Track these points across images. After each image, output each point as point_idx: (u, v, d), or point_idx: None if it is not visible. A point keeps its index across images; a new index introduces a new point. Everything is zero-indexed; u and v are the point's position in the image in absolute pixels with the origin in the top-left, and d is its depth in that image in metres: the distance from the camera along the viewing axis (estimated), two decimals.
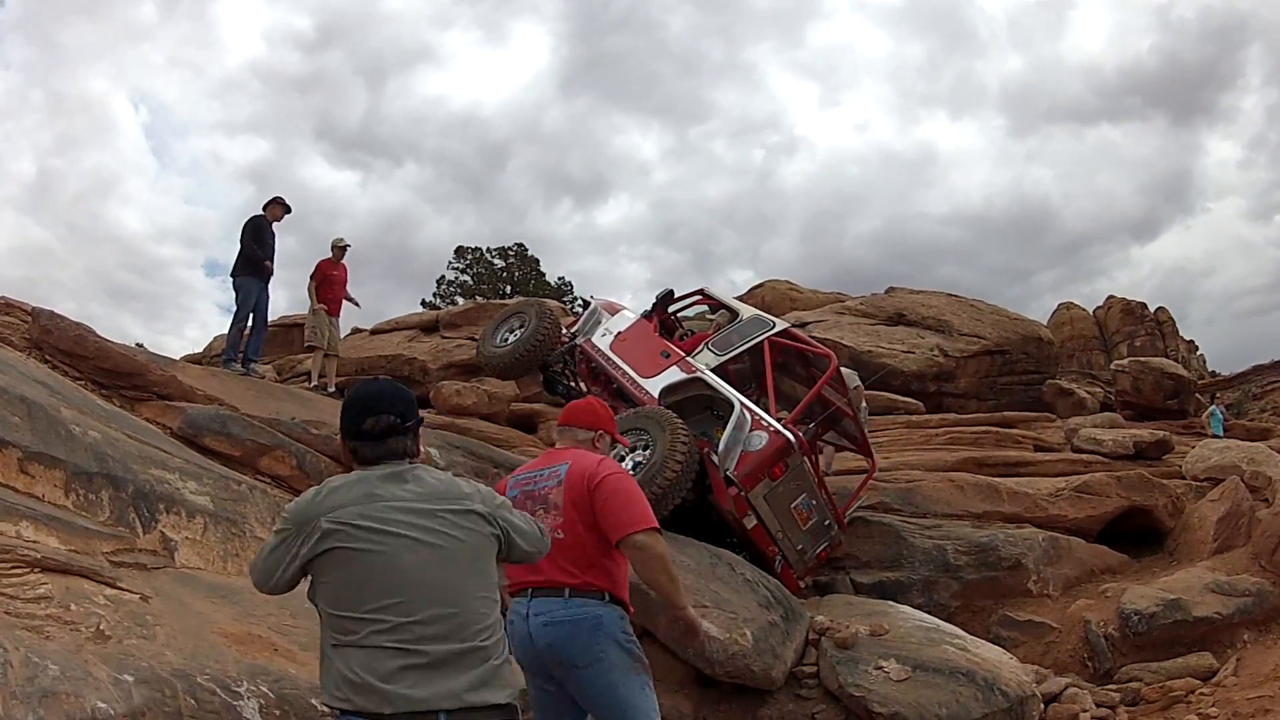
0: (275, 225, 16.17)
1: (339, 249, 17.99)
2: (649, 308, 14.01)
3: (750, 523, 11.05)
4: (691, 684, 9.18)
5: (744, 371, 13.46)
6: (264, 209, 16.18)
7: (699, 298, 14.72)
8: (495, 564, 4.24)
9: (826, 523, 12.14)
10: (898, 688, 8.93)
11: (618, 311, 14.19)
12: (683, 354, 12.64)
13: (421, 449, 4.41)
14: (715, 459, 11.03)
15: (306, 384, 18.52)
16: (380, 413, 4.18)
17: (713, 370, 12.27)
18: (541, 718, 5.48)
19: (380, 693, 3.77)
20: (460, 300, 57.54)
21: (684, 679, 9.17)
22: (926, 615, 11.27)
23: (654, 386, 12.31)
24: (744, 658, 8.85)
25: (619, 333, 13.55)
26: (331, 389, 17.23)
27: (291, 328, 44.49)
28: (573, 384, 14.27)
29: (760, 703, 9.17)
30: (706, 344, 12.80)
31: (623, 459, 10.72)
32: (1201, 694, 10.40)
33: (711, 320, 14.98)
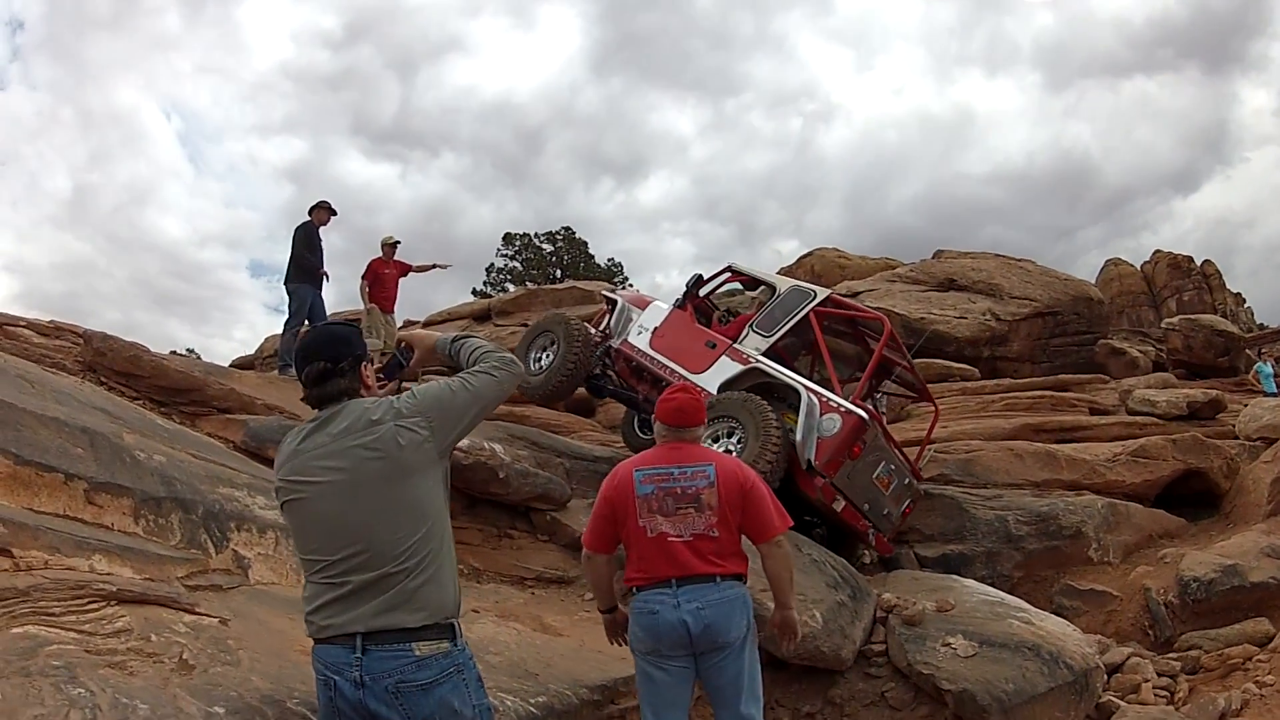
0: (322, 229, 16.38)
1: (389, 246, 18.43)
2: (680, 297, 13.74)
3: (839, 505, 11.12)
4: (762, 667, 9.27)
5: (793, 345, 13.46)
6: (310, 214, 16.40)
7: (728, 275, 14.19)
8: (429, 472, 4.28)
9: (906, 481, 12.25)
10: (965, 664, 9.04)
11: (647, 304, 14.03)
12: (730, 341, 12.51)
13: (369, 381, 4.51)
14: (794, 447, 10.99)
15: None
16: (312, 360, 4.36)
17: (764, 353, 12.20)
18: (656, 700, 5.82)
19: (312, 621, 4.16)
20: (511, 287, 57.62)
21: None
22: (991, 589, 11.41)
23: (709, 382, 12.11)
24: (813, 639, 8.94)
25: (655, 328, 13.34)
26: None
27: (346, 324, 44.86)
28: (618, 385, 14.11)
29: (830, 683, 9.31)
30: (751, 326, 12.62)
31: (714, 442, 11.01)
32: (1259, 660, 10.56)
33: (752, 296, 14.67)
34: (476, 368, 4.55)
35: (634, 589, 5.87)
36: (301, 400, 4.46)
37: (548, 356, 13.49)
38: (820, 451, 10.95)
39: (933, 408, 14.54)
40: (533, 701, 6.37)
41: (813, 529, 12.14)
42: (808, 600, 9.23)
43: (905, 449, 13.15)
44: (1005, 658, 9.13)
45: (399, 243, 18.49)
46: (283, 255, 16.31)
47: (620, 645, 6.28)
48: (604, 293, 16.00)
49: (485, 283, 64.28)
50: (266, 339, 15.40)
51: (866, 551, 12.55)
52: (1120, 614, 12.54)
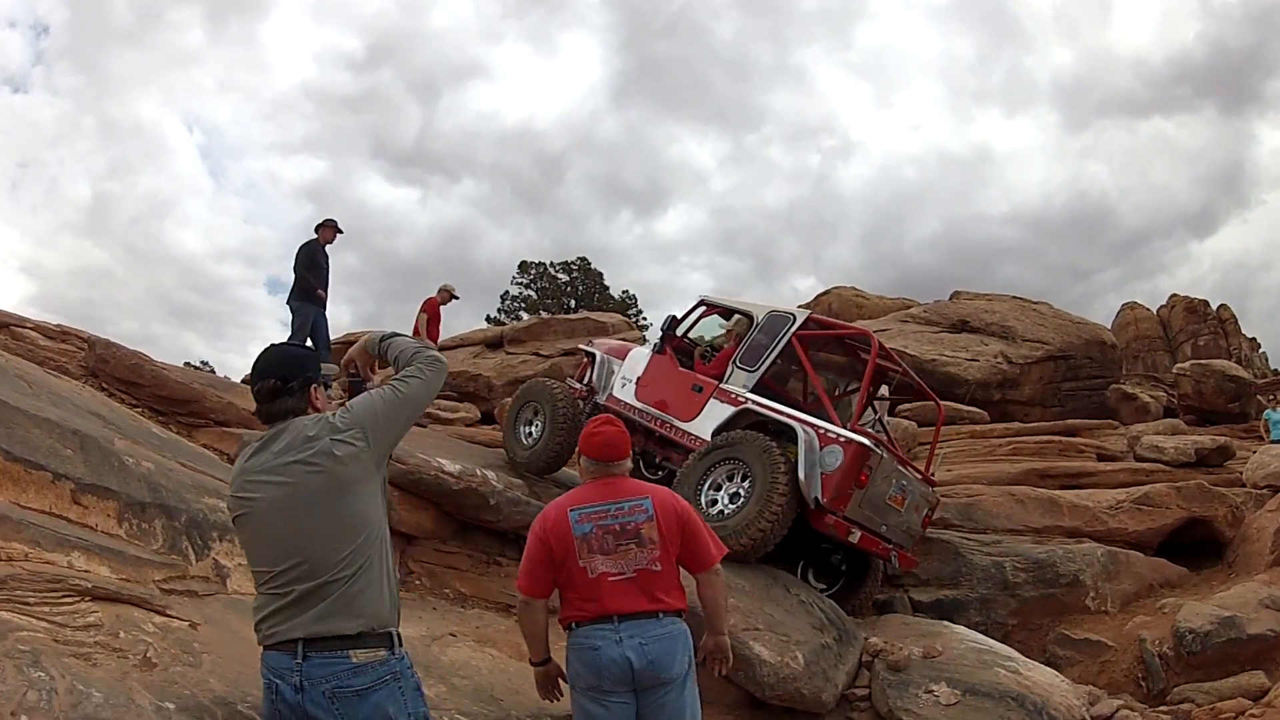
0: (329, 247, 16.45)
1: (450, 295, 19.38)
2: (658, 341, 13.28)
3: (855, 536, 10.76)
4: (742, 706, 9.24)
5: (782, 371, 13.21)
6: (316, 232, 16.48)
7: (703, 310, 13.61)
8: (365, 484, 4.45)
9: (921, 491, 11.97)
10: (946, 712, 9.00)
11: (626, 353, 13.70)
12: (715, 382, 12.16)
13: (318, 403, 4.63)
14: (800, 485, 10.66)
15: None
16: (263, 377, 4.55)
17: (752, 388, 11.84)
18: None
19: (260, 630, 4.35)
20: (525, 315, 57.65)
21: (735, 701, 9.25)
22: (981, 635, 11.28)
23: (701, 428, 11.84)
24: (794, 681, 8.91)
25: (638, 378, 13.01)
26: None
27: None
28: None
29: None
30: (734, 361, 12.23)
31: (715, 499, 10.88)
32: (1251, 714, 10.36)
33: (722, 327, 14.14)
34: (406, 371, 4.69)
35: (572, 625, 5.81)
36: (253, 415, 4.73)
37: (536, 428, 13.06)
38: (826, 488, 10.58)
39: (937, 407, 14.15)
40: None
41: (830, 556, 12.10)
42: (791, 641, 9.25)
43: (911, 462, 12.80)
44: (988, 707, 9.08)
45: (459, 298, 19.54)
46: (328, 278, 16.34)
47: (554, 700, 6.26)
48: (581, 346, 15.51)
49: (500, 310, 64.30)
50: None
51: (885, 565, 12.03)
52: (1114, 664, 12.35)
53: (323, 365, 5.08)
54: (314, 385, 4.64)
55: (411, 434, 14.17)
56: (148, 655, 5.24)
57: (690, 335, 13.80)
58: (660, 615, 5.70)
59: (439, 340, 19.32)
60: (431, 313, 18.59)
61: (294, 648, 4.24)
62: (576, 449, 13.08)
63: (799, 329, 12.11)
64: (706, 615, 6.11)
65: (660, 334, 13.33)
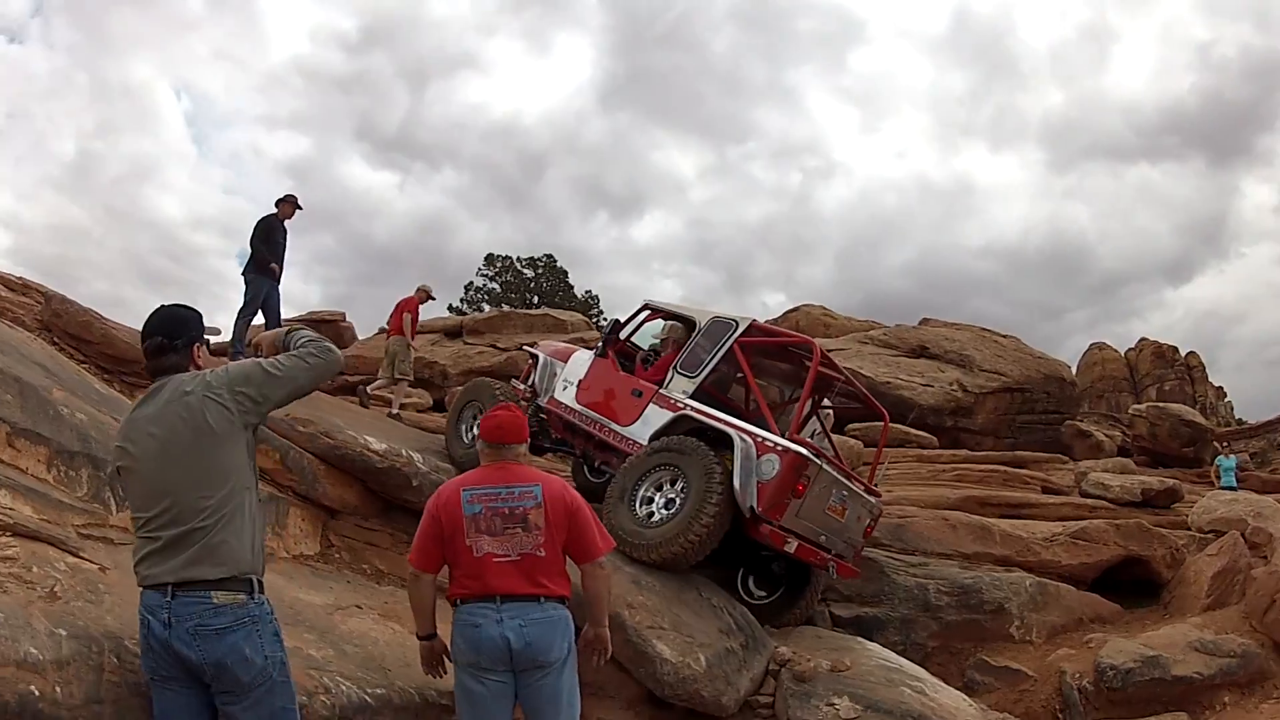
0: (288, 222, 16.47)
1: (426, 294, 19.91)
2: (600, 344, 13.06)
3: (792, 546, 10.44)
4: (643, 703, 9.15)
5: (723, 377, 12.93)
6: (276, 206, 16.47)
7: (647, 315, 13.35)
8: (229, 443, 4.81)
9: (863, 502, 11.67)
10: None
11: (569, 356, 13.45)
12: (655, 387, 11.90)
13: (199, 361, 5.03)
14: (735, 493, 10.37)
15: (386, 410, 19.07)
16: (150, 335, 4.93)
17: (692, 395, 11.55)
18: (477, 713, 5.91)
19: (138, 572, 4.76)
20: (487, 307, 57.63)
21: (635, 697, 9.16)
22: (892, 654, 10.97)
23: (639, 433, 11.63)
24: (694, 682, 8.80)
25: (579, 381, 12.80)
26: (395, 411, 18.50)
27: (321, 323, 44.97)
28: (554, 442, 13.67)
29: None
30: (675, 367, 11.96)
31: (650, 498, 10.63)
32: None
33: (655, 337, 13.80)
34: (293, 352, 5.06)
35: (457, 601, 5.97)
36: (143, 370, 5.10)
37: (476, 427, 12.55)
38: (762, 497, 10.25)
39: (883, 418, 13.57)
40: (370, 692, 6.68)
41: (771, 565, 11.79)
42: (695, 643, 9.16)
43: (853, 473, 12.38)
44: None
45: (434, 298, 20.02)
46: (285, 253, 16.22)
47: (438, 676, 6.39)
48: (525, 347, 15.47)
49: (463, 300, 64.88)
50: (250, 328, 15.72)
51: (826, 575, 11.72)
52: (1033, 695, 11.98)
53: (206, 327, 5.25)
54: (196, 344, 5.03)
55: (351, 412, 14.50)
56: (54, 590, 5.56)
57: (634, 340, 13.58)
58: (541, 599, 5.87)
59: (414, 335, 19.33)
60: (413, 311, 18.68)
61: (165, 588, 4.61)
62: None
63: (741, 336, 11.79)
64: (588, 606, 6.24)
65: (603, 338, 13.13)
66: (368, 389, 19.18)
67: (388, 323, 21.42)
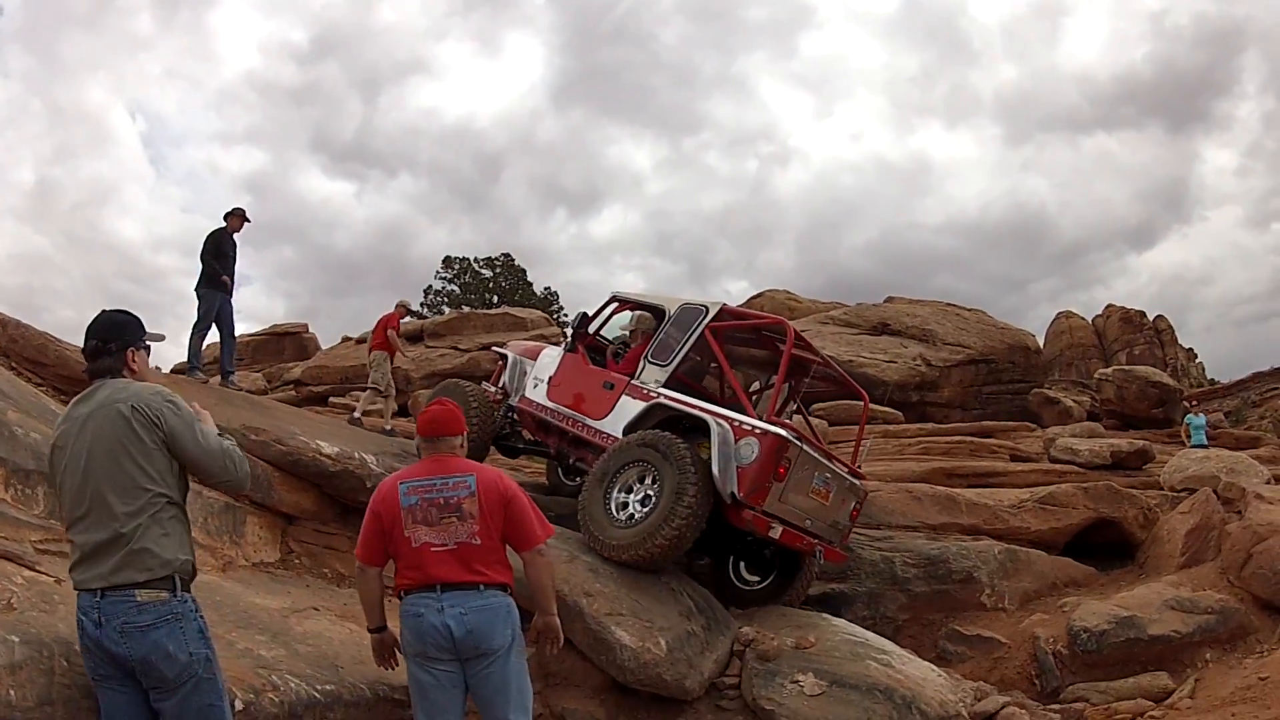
0: (237, 235, 16.35)
1: (405, 309, 20.32)
2: (569, 339, 12.89)
3: (776, 532, 10.10)
4: (608, 690, 9.07)
5: (697, 366, 12.60)
6: (224, 219, 16.36)
7: (616, 306, 13.13)
8: (152, 454, 4.92)
9: (848, 484, 11.34)
10: (810, 703, 8.66)
11: (538, 353, 13.29)
12: (627, 378, 11.61)
13: (134, 365, 5.21)
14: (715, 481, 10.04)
15: (352, 417, 19.43)
16: (88, 339, 5.12)
17: (665, 384, 11.23)
18: (428, 706, 5.98)
19: (72, 577, 4.93)
20: (447, 310, 57.51)
21: (599, 685, 9.08)
22: (858, 629, 10.70)
23: (613, 427, 11.35)
24: (655, 666, 8.70)
25: (550, 378, 12.59)
26: (389, 428, 18.32)
27: (284, 336, 45.02)
28: (528, 442, 13.42)
29: (679, 712, 9.01)
30: (646, 356, 11.64)
31: (625, 501, 10.33)
32: (1150, 716, 9.65)
33: (621, 329, 13.68)
34: (228, 444, 5.30)
35: (402, 593, 6.06)
36: (82, 373, 5.26)
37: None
38: (743, 482, 9.93)
39: (863, 399, 13.62)
40: (319, 688, 6.72)
41: (763, 550, 11.51)
42: (655, 627, 9.09)
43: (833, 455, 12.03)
44: (854, 700, 8.70)
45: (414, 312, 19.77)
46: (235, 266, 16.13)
47: (390, 668, 6.46)
48: (494, 348, 15.25)
49: (422, 304, 64.90)
50: (208, 345, 15.64)
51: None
52: (1007, 661, 11.71)
53: (149, 334, 5.41)
54: (131, 349, 5.19)
55: (308, 420, 14.51)
56: (10, 601, 5.71)
57: (604, 333, 13.40)
58: (481, 587, 5.93)
59: (396, 352, 19.13)
60: (395, 326, 18.89)
61: (96, 591, 4.78)
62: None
63: (712, 321, 11.50)
64: (533, 595, 6.33)
65: (572, 332, 12.96)
66: (359, 415, 19.35)
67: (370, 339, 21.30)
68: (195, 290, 15.89)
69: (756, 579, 11.79)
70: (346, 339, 39.26)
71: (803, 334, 11.83)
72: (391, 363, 19.55)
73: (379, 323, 19.67)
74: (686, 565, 11.76)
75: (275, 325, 47.01)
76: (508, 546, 6.15)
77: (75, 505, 4.89)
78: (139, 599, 4.78)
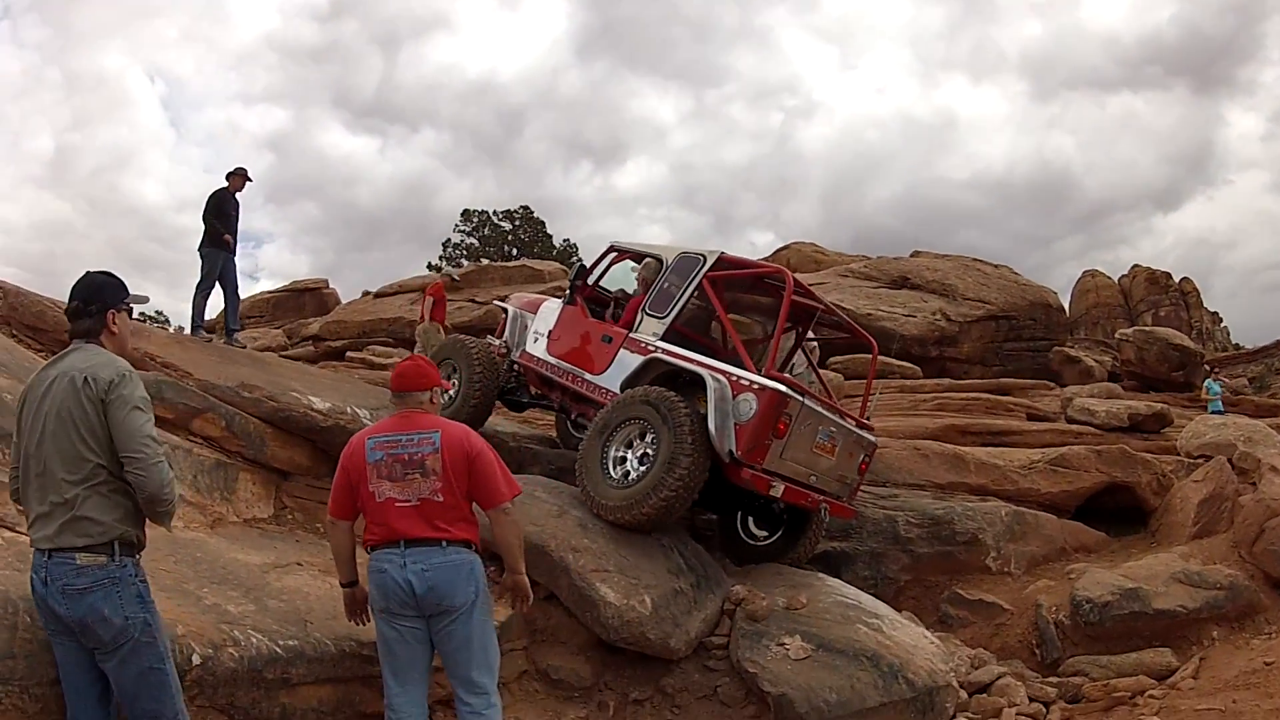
0: (239, 195, 16.58)
1: (450, 278, 21.49)
2: (568, 292, 12.52)
3: (778, 490, 9.79)
4: (594, 648, 9.00)
5: (698, 316, 12.12)
6: (226, 179, 16.54)
7: (614, 256, 12.79)
8: (94, 427, 4.99)
9: (854, 437, 11.03)
10: (794, 667, 8.51)
11: (539, 306, 12.96)
12: (625, 332, 11.31)
13: (114, 328, 5.28)
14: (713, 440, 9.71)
15: None
16: (70, 300, 5.24)
17: (664, 337, 10.91)
18: (393, 662, 6.19)
19: (29, 535, 5.12)
20: (465, 263, 57.51)
21: (585, 642, 9.01)
22: (853, 590, 10.44)
23: (611, 381, 11.08)
24: (640, 625, 8.61)
25: (550, 331, 12.29)
26: None
27: (304, 292, 45.23)
28: (534, 396, 13.14)
29: (665, 671, 8.91)
30: (643, 308, 11.33)
31: (623, 457, 10.08)
32: (1150, 696, 9.29)
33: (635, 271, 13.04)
34: (153, 448, 5.11)
35: (370, 548, 6.22)
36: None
37: (452, 386, 12.40)
38: (740, 440, 9.61)
39: (872, 347, 13.02)
40: (280, 644, 6.64)
41: (772, 504, 11.07)
42: (641, 585, 9.00)
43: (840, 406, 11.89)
44: (839, 665, 8.58)
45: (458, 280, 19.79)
46: (255, 224, 16.46)
47: (361, 624, 6.59)
48: (497, 301, 15.03)
49: (441, 257, 65.07)
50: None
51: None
52: (1009, 629, 11.43)
53: (131, 295, 5.46)
54: (112, 311, 5.25)
55: (310, 375, 14.48)
56: None
57: (605, 285, 13.09)
58: (444, 544, 6.06)
59: (444, 320, 19.17)
60: (437, 297, 18.78)
61: (45, 551, 4.98)
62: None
63: (710, 270, 11.13)
64: (502, 554, 6.49)
65: (570, 284, 12.62)
66: None
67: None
68: (198, 250, 16.11)
69: (765, 534, 11.61)
70: (366, 294, 39.42)
71: (804, 282, 11.56)
72: (445, 334, 19.37)
73: (426, 294, 19.53)
74: (689, 520, 11.58)
75: (295, 281, 47.37)
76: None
77: (29, 468, 5.10)
78: (78, 562, 4.96)
